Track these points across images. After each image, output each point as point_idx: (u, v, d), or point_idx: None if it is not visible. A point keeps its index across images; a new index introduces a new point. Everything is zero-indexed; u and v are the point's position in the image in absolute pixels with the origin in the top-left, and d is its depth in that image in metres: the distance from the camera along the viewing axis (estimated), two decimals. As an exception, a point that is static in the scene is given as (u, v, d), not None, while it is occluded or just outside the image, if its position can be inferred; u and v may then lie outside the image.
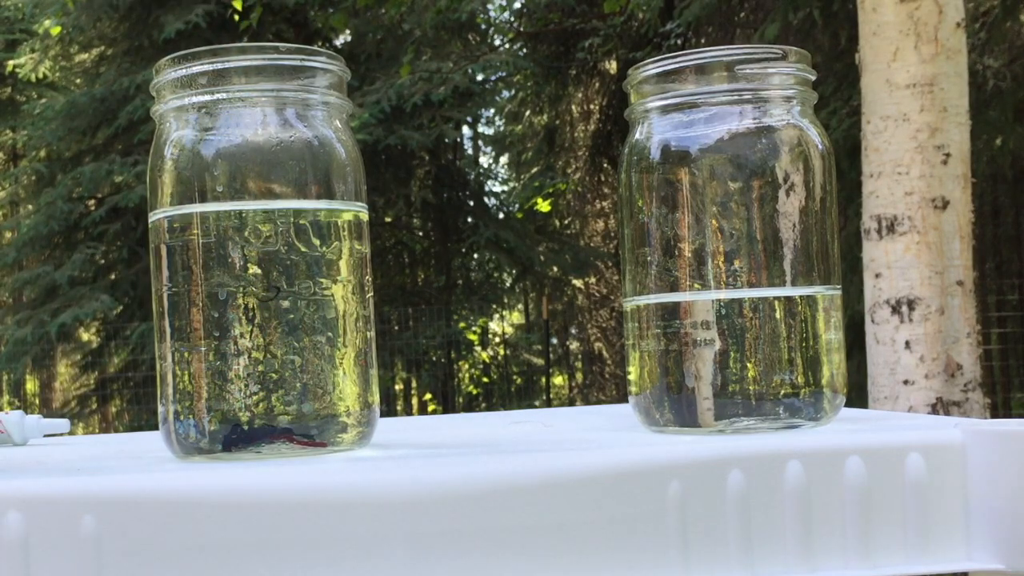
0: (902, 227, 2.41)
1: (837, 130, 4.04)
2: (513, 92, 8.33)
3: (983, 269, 6.13)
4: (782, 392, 0.58)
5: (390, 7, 4.96)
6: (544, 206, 8.70)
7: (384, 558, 0.46)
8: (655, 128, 0.60)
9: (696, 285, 0.59)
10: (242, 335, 0.54)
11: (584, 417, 0.78)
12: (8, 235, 7.91)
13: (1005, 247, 6.90)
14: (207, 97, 0.56)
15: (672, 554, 0.49)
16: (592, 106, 8.16)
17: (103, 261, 6.98)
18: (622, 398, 0.98)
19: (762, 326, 0.58)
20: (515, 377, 8.89)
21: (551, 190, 8.54)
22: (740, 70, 0.59)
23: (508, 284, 8.81)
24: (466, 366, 8.54)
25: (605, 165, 7.73)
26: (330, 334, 0.56)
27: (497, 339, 9.10)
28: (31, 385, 9.48)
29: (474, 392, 8.49)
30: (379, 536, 0.46)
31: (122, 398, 7.35)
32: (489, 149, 9.90)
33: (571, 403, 9.18)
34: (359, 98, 6.38)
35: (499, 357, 8.95)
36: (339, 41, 7.71)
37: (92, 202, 6.88)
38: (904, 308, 2.40)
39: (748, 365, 0.58)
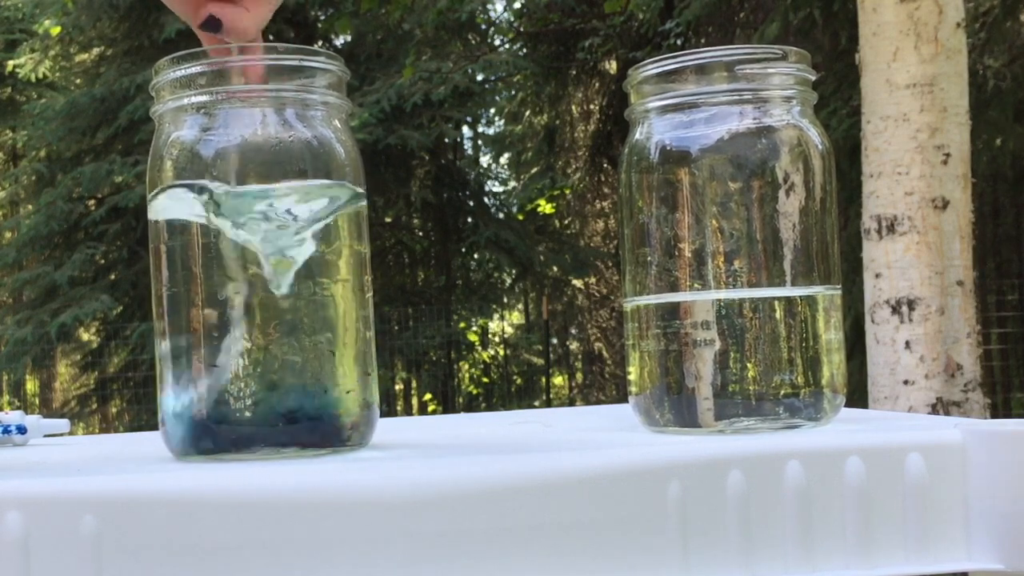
0: (902, 227, 2.41)
1: (837, 130, 4.04)
2: (513, 92, 8.33)
3: (983, 269, 6.13)
4: (782, 392, 0.58)
5: (392, 8, 4.96)
6: (548, 208, 8.71)
7: (384, 558, 0.46)
8: (655, 128, 0.60)
9: (696, 285, 0.59)
10: (241, 335, 0.54)
11: (584, 417, 0.78)
12: (8, 235, 7.91)
13: (1005, 247, 6.90)
14: (206, 97, 0.56)
15: (672, 554, 0.49)
16: (592, 106, 8.16)
17: (103, 261, 6.98)
18: (622, 398, 0.98)
19: (762, 326, 0.58)
20: (515, 377, 8.89)
21: (555, 192, 8.54)
22: (740, 70, 0.59)
23: (508, 284, 8.81)
24: (466, 366, 8.55)
25: (605, 165, 7.73)
26: (330, 334, 0.56)
27: (497, 339, 9.10)
28: (31, 385, 9.48)
29: (474, 392, 8.49)
30: (379, 536, 0.46)
31: (122, 398, 7.35)
32: (489, 149, 9.90)
33: (571, 403, 9.19)
34: (359, 98, 6.38)
35: (499, 357, 8.95)
36: (339, 41, 7.72)
37: (92, 202, 6.88)
38: (904, 308, 2.40)
39: (748, 365, 0.58)
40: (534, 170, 8.86)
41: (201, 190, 0.55)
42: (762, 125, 0.59)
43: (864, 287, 2.51)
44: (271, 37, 6.76)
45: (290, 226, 0.55)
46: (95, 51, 7.69)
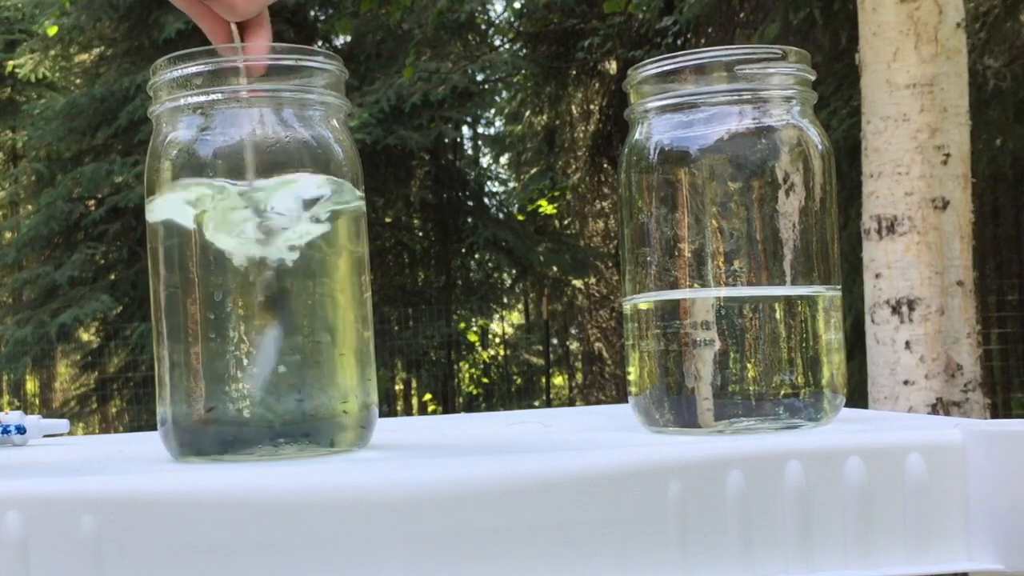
0: (902, 227, 2.41)
1: (837, 130, 4.03)
2: (513, 92, 8.33)
3: (983, 269, 6.13)
4: (782, 392, 0.58)
5: (392, 9, 4.96)
6: (549, 208, 8.71)
7: (384, 558, 0.46)
8: (655, 128, 0.60)
9: (696, 285, 0.58)
10: (240, 336, 0.54)
11: (584, 417, 0.78)
12: (8, 235, 7.91)
13: (1005, 247, 6.90)
14: (204, 97, 0.56)
15: (672, 554, 0.49)
16: (592, 106, 8.17)
17: (103, 261, 6.98)
18: (622, 398, 0.98)
19: (762, 326, 0.58)
20: (515, 377, 8.89)
21: (556, 193, 8.54)
22: (740, 70, 0.59)
23: (508, 284, 8.82)
24: (466, 366, 8.55)
25: (605, 165, 7.73)
26: (328, 334, 0.56)
27: (497, 339, 9.10)
28: (31, 385, 9.48)
29: (474, 392, 8.49)
30: (379, 536, 0.46)
31: (122, 398, 7.35)
32: (489, 149, 9.90)
33: (571, 403, 9.19)
34: (359, 98, 6.38)
35: (499, 357, 8.95)
36: (339, 41, 7.71)
37: (92, 202, 6.88)
38: (904, 308, 2.40)
39: (748, 365, 0.58)
40: (534, 170, 8.86)
41: (198, 191, 0.55)
42: (762, 125, 0.59)
43: (864, 287, 2.51)
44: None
45: (288, 226, 0.55)
46: (95, 51, 7.68)
